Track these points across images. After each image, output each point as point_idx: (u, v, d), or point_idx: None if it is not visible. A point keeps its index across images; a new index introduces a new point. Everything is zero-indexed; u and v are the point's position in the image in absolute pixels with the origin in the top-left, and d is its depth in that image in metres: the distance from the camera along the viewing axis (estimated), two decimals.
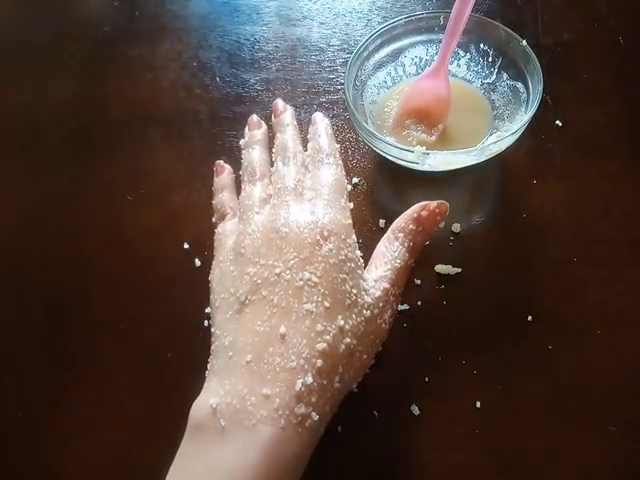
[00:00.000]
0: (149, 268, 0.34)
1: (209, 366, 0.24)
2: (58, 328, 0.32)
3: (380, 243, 0.27)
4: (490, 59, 0.37)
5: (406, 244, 0.26)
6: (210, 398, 0.22)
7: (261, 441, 0.20)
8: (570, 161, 0.36)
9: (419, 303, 0.31)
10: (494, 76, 0.36)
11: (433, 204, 0.26)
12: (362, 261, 0.25)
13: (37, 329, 0.32)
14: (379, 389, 0.28)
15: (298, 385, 0.21)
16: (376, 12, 0.45)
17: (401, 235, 0.26)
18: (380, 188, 0.36)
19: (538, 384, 0.28)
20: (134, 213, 0.36)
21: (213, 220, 0.30)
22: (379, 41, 0.37)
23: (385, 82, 0.38)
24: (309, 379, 0.22)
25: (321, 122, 0.31)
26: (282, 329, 0.23)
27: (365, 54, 0.36)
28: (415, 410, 0.27)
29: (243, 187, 0.29)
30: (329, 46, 0.44)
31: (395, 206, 0.36)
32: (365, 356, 0.24)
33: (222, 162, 0.32)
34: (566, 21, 0.43)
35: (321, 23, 0.45)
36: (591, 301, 0.30)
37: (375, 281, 0.25)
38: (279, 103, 0.33)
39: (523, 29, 0.37)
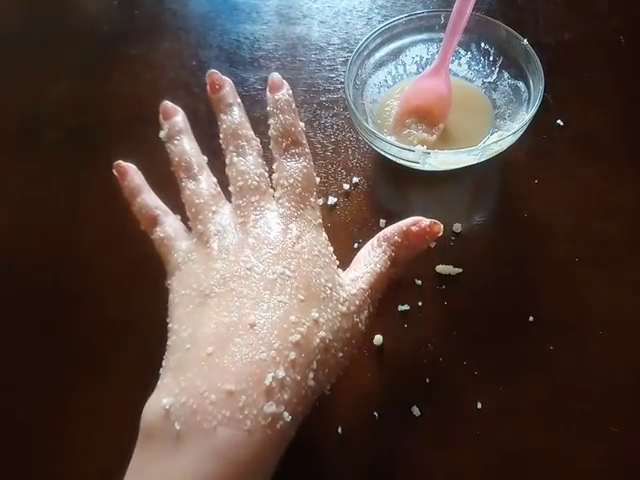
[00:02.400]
0: (149, 268, 0.34)
1: (163, 363, 0.22)
2: (58, 328, 0.32)
3: (362, 249, 0.25)
4: (491, 58, 0.37)
5: (388, 253, 0.25)
6: (163, 398, 0.20)
7: (222, 447, 0.18)
8: (571, 161, 0.35)
9: (420, 303, 0.31)
10: (495, 75, 0.36)
11: (426, 222, 0.25)
12: (335, 257, 0.24)
13: (37, 329, 0.32)
14: (379, 390, 0.28)
15: (268, 379, 0.19)
16: (376, 11, 0.45)
17: (385, 244, 0.25)
18: (380, 188, 0.36)
19: (539, 384, 0.28)
20: (133, 213, 0.36)
21: (142, 228, 0.27)
22: (379, 40, 0.36)
23: (386, 81, 0.38)
24: (281, 372, 0.19)
25: (281, 89, 0.27)
26: (251, 318, 0.20)
27: (365, 53, 0.36)
28: (415, 411, 0.27)
29: (183, 184, 0.26)
30: (329, 45, 0.43)
31: (395, 206, 0.36)
32: (341, 354, 0.22)
33: (121, 162, 0.28)
34: (567, 20, 0.42)
35: (321, 22, 0.45)
36: (592, 301, 0.30)
37: (352, 280, 0.24)
38: (215, 75, 0.28)
39: (524, 28, 0.36)
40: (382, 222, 0.34)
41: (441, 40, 0.34)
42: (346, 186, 0.36)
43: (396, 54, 0.38)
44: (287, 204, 0.24)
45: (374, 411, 0.28)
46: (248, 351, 0.20)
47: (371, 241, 0.25)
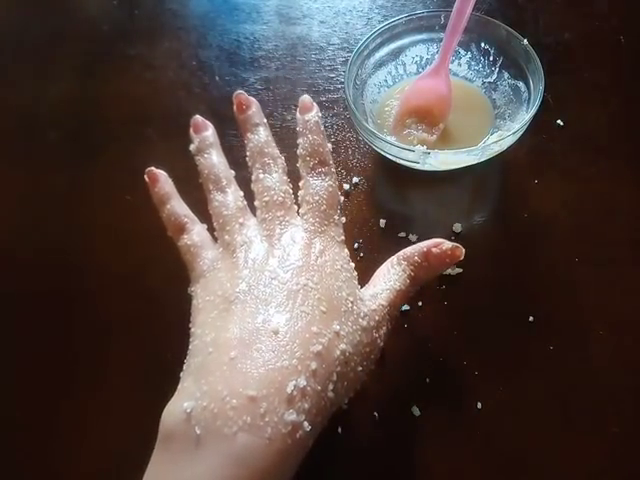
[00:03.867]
0: (149, 268, 0.34)
1: (184, 366, 0.22)
2: (58, 328, 0.32)
3: (382, 266, 0.26)
4: (491, 58, 0.37)
5: (407, 272, 0.25)
6: (184, 402, 0.20)
7: (242, 454, 0.18)
8: (571, 160, 0.35)
9: (420, 303, 0.31)
10: (495, 75, 0.36)
11: (447, 245, 0.25)
12: (356, 273, 0.25)
13: (37, 329, 0.32)
14: (379, 389, 0.28)
15: (290, 387, 0.19)
16: (376, 11, 0.45)
17: (404, 263, 0.25)
18: (381, 188, 0.36)
19: (539, 384, 0.28)
20: (133, 213, 0.36)
21: (169, 234, 0.28)
22: (379, 40, 0.36)
23: (386, 81, 0.38)
24: (302, 381, 0.19)
25: (311, 110, 0.28)
26: (274, 325, 0.21)
27: (365, 53, 0.36)
28: (415, 411, 0.27)
29: (211, 196, 0.27)
30: (329, 45, 0.43)
31: (396, 206, 0.36)
32: (360, 368, 0.22)
33: (153, 169, 0.29)
34: (567, 20, 0.42)
35: (321, 22, 0.45)
36: (592, 301, 0.30)
37: (372, 296, 0.24)
38: (242, 96, 0.29)
39: (524, 28, 0.36)
40: (382, 222, 0.34)
41: (441, 40, 0.34)
42: (346, 186, 0.36)
43: (396, 54, 0.38)
44: (312, 220, 0.25)
45: (374, 411, 0.28)
46: (270, 357, 0.20)
47: (391, 259, 0.26)
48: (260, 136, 0.28)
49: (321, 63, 0.42)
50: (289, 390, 0.19)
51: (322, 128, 0.27)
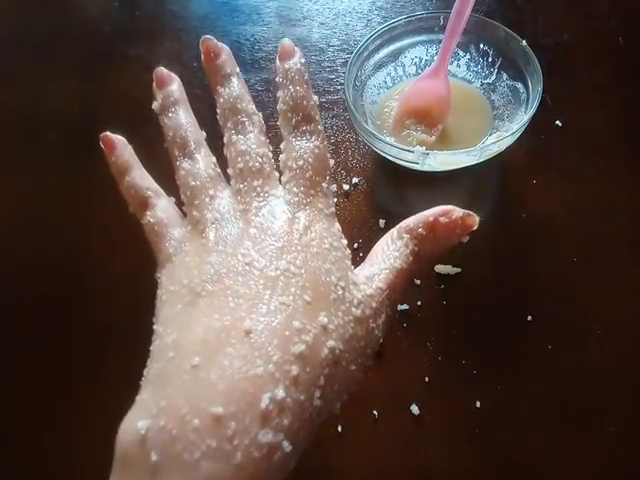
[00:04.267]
0: (149, 268, 0.34)
1: (144, 372, 0.19)
2: (58, 328, 0.32)
3: (381, 240, 0.22)
4: (490, 59, 0.37)
5: (410, 247, 0.21)
6: (138, 420, 0.16)
7: None
8: (570, 161, 0.36)
9: (419, 303, 0.31)
10: (494, 76, 0.37)
11: (459, 212, 0.21)
12: (349, 252, 0.21)
13: (37, 329, 0.32)
14: (379, 389, 0.28)
15: (264, 401, 0.16)
16: (376, 12, 0.45)
17: (407, 236, 0.21)
18: (380, 188, 0.36)
19: (538, 384, 0.28)
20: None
21: (130, 211, 0.24)
22: (379, 41, 0.37)
23: (385, 82, 0.38)
24: (280, 392, 0.16)
25: (293, 57, 0.24)
26: (247, 324, 0.17)
27: (365, 54, 0.36)
28: (415, 410, 0.27)
29: (178, 164, 0.23)
30: (329, 46, 0.44)
31: (395, 206, 0.36)
32: (353, 367, 0.18)
33: (108, 133, 0.25)
34: (566, 21, 0.43)
35: (321, 23, 0.45)
36: (591, 301, 0.30)
37: (368, 278, 0.20)
38: (210, 42, 0.25)
39: (523, 29, 0.37)
40: (382, 222, 0.34)
41: (440, 41, 0.34)
42: (346, 186, 0.36)
43: (395, 55, 0.38)
44: (295, 190, 0.21)
45: (374, 410, 0.28)
46: (241, 365, 0.16)
47: (390, 232, 0.21)
48: (232, 89, 0.24)
49: (321, 64, 0.42)
50: (264, 405, 0.16)
51: (306, 77, 0.23)
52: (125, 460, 0.17)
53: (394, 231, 0.21)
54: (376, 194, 0.36)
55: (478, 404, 0.27)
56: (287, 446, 0.16)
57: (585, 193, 0.34)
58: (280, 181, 0.22)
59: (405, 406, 0.28)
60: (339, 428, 0.27)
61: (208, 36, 0.25)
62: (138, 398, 0.18)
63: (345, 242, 0.21)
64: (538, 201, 0.34)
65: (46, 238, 0.36)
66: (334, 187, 0.35)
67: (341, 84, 0.41)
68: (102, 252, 0.35)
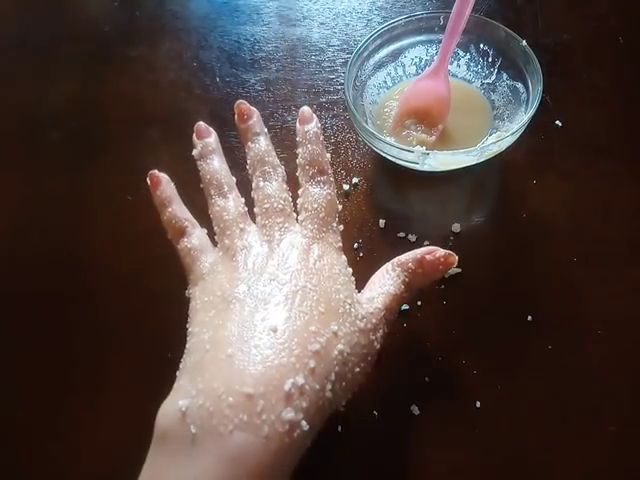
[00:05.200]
0: (149, 268, 0.34)
1: (181, 365, 0.22)
2: (58, 328, 0.32)
3: (378, 271, 0.26)
4: (490, 59, 0.37)
5: (402, 277, 0.25)
6: (179, 400, 0.19)
7: (239, 453, 0.18)
8: (570, 161, 0.36)
9: (419, 303, 0.31)
10: (494, 76, 0.37)
11: (440, 252, 0.25)
12: (353, 279, 0.25)
13: (37, 329, 0.32)
14: (379, 389, 0.28)
15: (288, 384, 0.19)
16: (376, 12, 0.46)
17: (399, 269, 0.26)
18: (380, 188, 0.36)
19: (538, 384, 0.28)
20: (134, 213, 0.36)
21: (169, 237, 0.28)
22: (379, 41, 0.37)
23: (385, 82, 0.38)
24: (300, 379, 0.19)
25: (311, 121, 0.28)
26: (273, 323, 0.21)
27: (365, 54, 0.36)
28: (415, 410, 0.27)
29: (213, 201, 0.28)
30: (329, 46, 0.44)
31: (395, 206, 0.36)
32: (357, 369, 0.22)
33: (156, 172, 0.29)
34: (566, 21, 0.43)
35: (321, 23, 0.45)
36: (591, 301, 0.30)
37: (368, 300, 0.25)
38: (244, 106, 0.29)
39: (523, 29, 0.37)
40: (382, 222, 0.34)
41: (440, 41, 0.34)
42: (346, 187, 0.36)
43: (395, 55, 0.38)
44: (310, 226, 0.25)
45: (374, 410, 0.28)
46: (268, 354, 0.20)
47: (386, 265, 0.26)
48: (261, 145, 0.28)
49: (321, 64, 0.42)
50: (287, 388, 0.19)
51: (321, 139, 0.28)
52: (165, 435, 0.19)
53: (389, 264, 0.26)
54: (376, 194, 0.36)
55: (478, 404, 0.27)
56: (305, 425, 0.19)
57: (585, 193, 0.34)
58: (297, 220, 0.26)
59: (405, 406, 0.28)
60: (339, 428, 0.27)
61: (242, 100, 0.30)
62: (176, 385, 0.21)
63: (350, 270, 0.25)
64: (538, 201, 0.34)
65: (46, 238, 0.36)
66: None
67: (341, 84, 0.41)
68: (102, 252, 0.35)
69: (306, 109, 0.29)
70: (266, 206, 0.26)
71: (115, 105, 0.42)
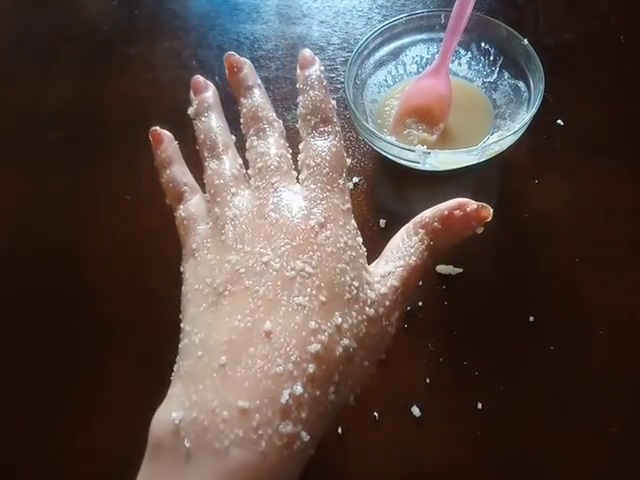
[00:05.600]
0: (148, 268, 0.34)
1: (175, 368, 0.21)
2: (58, 328, 0.32)
3: (396, 235, 0.22)
4: (491, 58, 0.36)
5: (426, 242, 0.21)
6: (172, 410, 0.18)
7: (235, 469, 0.17)
8: (571, 160, 0.35)
9: (420, 303, 0.31)
10: (495, 75, 0.36)
11: (473, 205, 0.21)
12: (364, 249, 0.22)
13: (37, 329, 0.32)
14: (379, 390, 0.28)
15: (285, 396, 0.17)
16: (376, 10, 0.45)
17: (422, 231, 0.22)
18: (381, 187, 0.36)
19: (539, 385, 0.28)
20: (133, 213, 0.36)
21: (167, 202, 0.26)
22: (379, 40, 0.36)
23: (386, 81, 0.38)
24: (298, 388, 0.18)
25: (313, 65, 0.25)
26: (267, 325, 0.19)
27: (365, 53, 0.36)
28: (416, 411, 0.27)
29: (206, 164, 0.25)
30: (329, 45, 0.43)
31: (396, 206, 0.36)
32: (366, 363, 0.20)
33: (158, 128, 0.27)
34: (567, 20, 0.42)
35: (321, 21, 0.45)
36: (592, 301, 0.30)
37: (382, 276, 0.21)
38: (233, 57, 0.27)
39: (524, 28, 0.37)
40: (382, 222, 0.34)
41: (441, 40, 0.34)
42: None
43: (396, 54, 0.38)
44: (312, 186, 0.22)
45: (374, 411, 0.28)
46: (263, 364, 0.18)
47: (405, 227, 0.22)
48: (254, 99, 0.25)
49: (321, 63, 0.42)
50: (284, 400, 0.17)
51: (324, 83, 0.25)
52: (159, 447, 0.18)
53: (410, 226, 0.22)
54: (377, 194, 0.36)
55: (479, 405, 0.27)
56: (305, 436, 0.18)
57: (587, 192, 0.34)
58: (298, 180, 0.23)
59: (406, 407, 0.27)
60: (339, 430, 0.27)
61: (231, 52, 0.27)
62: (170, 392, 0.20)
63: (360, 240, 0.22)
64: (540, 200, 0.34)
65: (46, 238, 0.36)
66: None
67: (341, 83, 0.41)
68: (103, 252, 0.35)
69: (307, 51, 0.26)
70: (259, 165, 0.23)
71: (115, 104, 0.42)
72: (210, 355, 0.19)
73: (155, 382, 0.30)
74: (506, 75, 0.36)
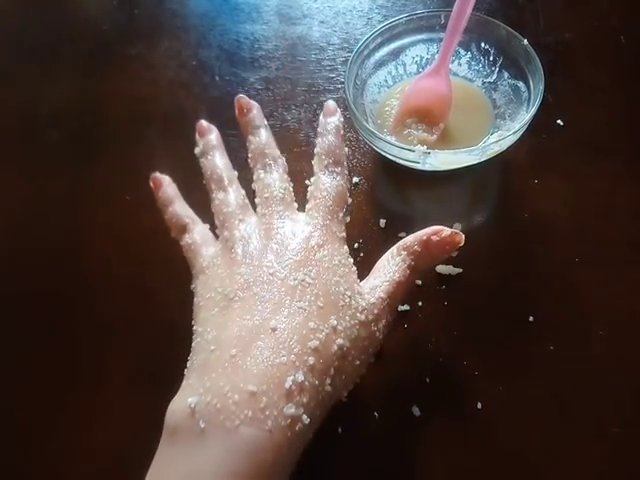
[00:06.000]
0: (148, 268, 0.34)
1: (188, 364, 0.23)
2: (58, 328, 0.32)
3: (382, 257, 0.26)
4: (491, 58, 0.36)
5: (407, 262, 0.25)
6: (188, 397, 0.21)
7: (245, 445, 0.19)
8: (571, 160, 0.35)
9: (420, 303, 0.31)
10: (495, 75, 0.36)
11: (447, 232, 0.25)
12: (355, 268, 0.25)
13: (37, 329, 0.32)
14: (379, 390, 0.28)
15: (288, 382, 0.20)
16: (376, 10, 0.45)
17: (404, 253, 0.25)
18: (381, 187, 0.36)
19: (539, 385, 0.28)
20: (133, 213, 0.36)
21: (172, 235, 0.29)
22: (380, 40, 0.36)
23: (386, 81, 0.38)
24: (300, 376, 0.20)
25: (334, 114, 0.29)
26: (273, 323, 0.22)
27: (365, 53, 0.36)
28: (415, 411, 0.27)
29: (213, 196, 0.28)
30: (329, 45, 0.43)
31: (395, 206, 0.36)
32: (357, 362, 0.23)
33: (158, 174, 0.30)
34: (567, 20, 0.42)
35: (321, 22, 0.45)
36: (592, 301, 0.30)
37: (371, 289, 0.24)
38: (243, 100, 0.30)
39: (524, 28, 0.36)
40: (382, 222, 0.34)
41: (441, 40, 0.34)
42: None
43: (396, 54, 0.38)
44: (315, 214, 0.25)
45: (374, 411, 0.28)
46: (269, 354, 0.21)
47: (391, 250, 0.26)
48: (261, 138, 0.29)
49: (321, 63, 0.42)
50: (287, 385, 0.20)
51: (342, 133, 0.28)
52: (175, 429, 0.20)
53: (394, 249, 0.26)
54: (377, 194, 0.36)
55: (479, 405, 0.27)
56: (306, 419, 0.20)
57: (587, 192, 0.34)
58: (305, 209, 0.26)
59: (406, 407, 0.27)
60: (339, 429, 0.27)
61: (242, 95, 0.30)
62: (184, 384, 0.22)
63: (351, 261, 0.25)
64: (540, 200, 0.34)
65: (46, 238, 0.36)
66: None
67: (341, 83, 0.41)
68: (103, 252, 0.35)
69: (331, 103, 0.29)
70: (266, 195, 0.27)
71: (114, 104, 0.42)
72: (222, 349, 0.21)
73: (155, 381, 0.30)
74: (506, 75, 0.36)
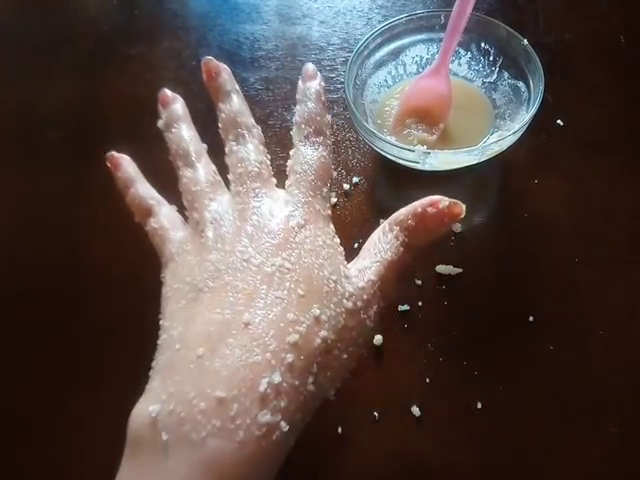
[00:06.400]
0: (148, 268, 0.34)
1: (153, 364, 0.20)
2: (58, 328, 0.32)
3: (373, 234, 0.23)
4: (491, 58, 0.36)
5: (400, 238, 0.22)
6: (149, 404, 0.18)
7: (213, 461, 0.16)
8: (571, 160, 0.35)
9: (420, 303, 0.31)
10: (495, 75, 0.36)
11: (445, 202, 0.21)
12: (342, 249, 0.22)
13: (37, 329, 0.32)
14: (379, 389, 0.28)
15: (263, 385, 0.17)
16: (376, 11, 0.45)
17: (397, 228, 0.22)
18: (380, 187, 0.36)
19: (539, 384, 0.28)
20: (133, 213, 0.36)
21: (136, 220, 0.26)
22: (379, 40, 0.36)
23: (386, 81, 0.38)
24: (277, 377, 0.17)
25: (314, 78, 0.25)
26: (246, 317, 0.19)
27: (365, 53, 0.36)
28: (415, 411, 0.27)
29: (180, 173, 0.25)
30: (329, 45, 0.43)
31: (395, 205, 0.35)
32: (345, 355, 0.20)
33: (114, 153, 0.27)
34: (567, 20, 0.42)
35: (321, 22, 0.45)
36: (592, 301, 0.30)
37: (360, 271, 0.21)
38: (211, 63, 0.26)
39: (524, 28, 0.36)
40: (382, 222, 0.34)
41: (441, 40, 0.34)
42: (346, 186, 0.36)
43: (396, 54, 0.38)
44: (296, 191, 0.22)
45: (374, 411, 0.28)
46: (241, 353, 0.18)
47: (382, 226, 0.23)
48: (233, 105, 0.25)
49: (321, 63, 0.42)
50: (262, 389, 0.17)
51: (323, 98, 0.25)
52: (137, 441, 0.18)
53: (385, 224, 0.23)
54: (376, 194, 0.36)
55: (479, 405, 0.27)
56: (284, 426, 0.17)
57: (586, 192, 0.34)
58: (284, 185, 0.23)
59: (406, 407, 0.27)
60: (339, 429, 0.27)
61: (209, 57, 0.26)
62: (148, 387, 0.20)
63: (338, 240, 0.22)
64: (539, 200, 0.34)
65: (46, 238, 0.36)
66: (333, 195, 0.35)
67: (341, 83, 0.41)
68: (102, 252, 0.35)
69: (310, 65, 0.26)
70: (240, 170, 0.23)
71: (114, 104, 0.42)
72: (187, 347, 0.19)
73: None
74: (506, 75, 0.36)
